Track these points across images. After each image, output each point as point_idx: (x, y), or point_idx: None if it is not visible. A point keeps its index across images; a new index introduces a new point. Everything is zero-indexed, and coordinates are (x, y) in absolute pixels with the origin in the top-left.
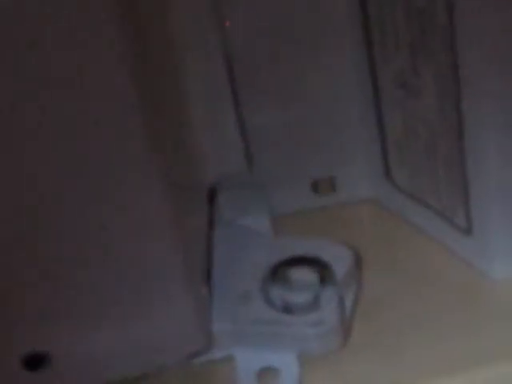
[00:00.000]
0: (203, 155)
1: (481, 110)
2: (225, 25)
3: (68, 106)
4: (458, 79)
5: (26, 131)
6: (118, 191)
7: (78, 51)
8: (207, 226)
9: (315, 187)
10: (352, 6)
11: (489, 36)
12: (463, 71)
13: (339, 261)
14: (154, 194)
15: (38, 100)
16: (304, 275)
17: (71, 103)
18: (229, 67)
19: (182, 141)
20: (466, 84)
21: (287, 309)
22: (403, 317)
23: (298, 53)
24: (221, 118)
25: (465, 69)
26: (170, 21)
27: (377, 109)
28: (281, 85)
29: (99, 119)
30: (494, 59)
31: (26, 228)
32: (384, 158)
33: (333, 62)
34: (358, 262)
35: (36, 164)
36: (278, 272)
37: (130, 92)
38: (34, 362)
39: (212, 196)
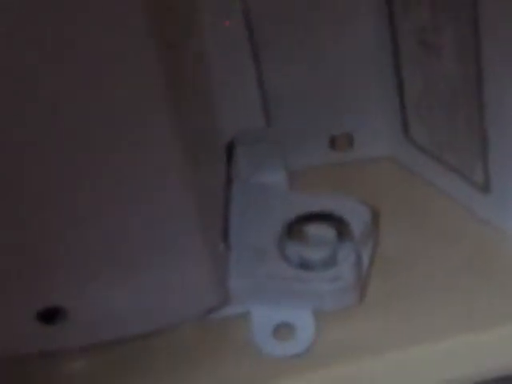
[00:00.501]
0: (222, 111)
1: (501, 67)
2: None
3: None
4: (479, 37)
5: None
6: (135, 145)
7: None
8: (225, 181)
9: (333, 143)
10: None
11: None
12: (484, 28)
13: (356, 217)
14: (171, 149)
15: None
16: (321, 231)
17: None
18: (249, 25)
19: (202, 97)
20: (486, 41)
21: (304, 265)
22: (419, 275)
23: (317, 11)
24: (240, 74)
25: (486, 26)
26: None
27: (396, 66)
28: (300, 42)
29: (119, 70)
30: None
31: (40, 185)
32: (402, 115)
33: (352, 19)
34: (375, 219)
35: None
36: (295, 228)
37: (149, 45)
38: (50, 315)
39: (230, 152)
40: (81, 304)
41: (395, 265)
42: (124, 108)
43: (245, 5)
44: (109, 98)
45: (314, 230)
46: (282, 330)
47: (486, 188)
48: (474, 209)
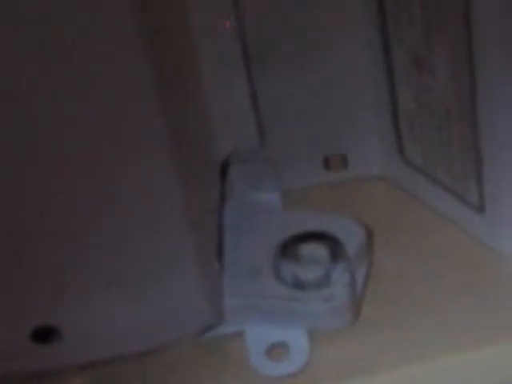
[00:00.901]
0: (216, 129)
1: (495, 86)
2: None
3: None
4: (472, 55)
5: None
6: (129, 164)
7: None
8: (219, 200)
9: (327, 163)
10: None
11: (504, 12)
12: (477, 47)
13: (350, 237)
14: (164, 168)
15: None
16: (315, 251)
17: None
18: (242, 41)
19: (195, 114)
20: (480, 60)
21: (298, 284)
22: (413, 294)
23: (310, 27)
24: (234, 92)
25: (479, 45)
26: None
27: (390, 85)
28: (294, 60)
29: (111, 92)
30: (509, 36)
31: (35, 201)
32: (396, 134)
33: (346, 36)
34: (369, 238)
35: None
36: (289, 247)
37: (143, 65)
38: (44, 334)
39: (224, 170)
40: (75, 323)
41: (389, 285)
42: (119, 126)
43: (239, 24)
44: (104, 120)
45: (308, 249)
46: (277, 350)
47: (480, 208)
48: (468, 229)
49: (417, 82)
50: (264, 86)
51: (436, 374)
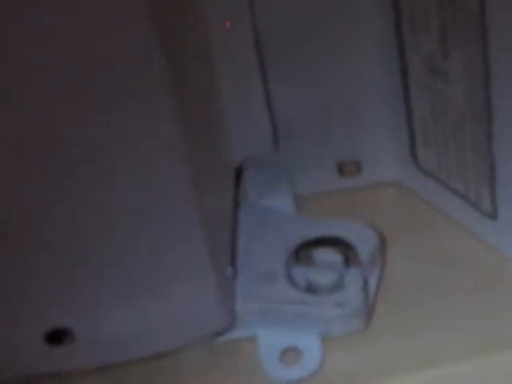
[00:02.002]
0: (230, 135)
1: (510, 93)
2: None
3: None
4: (488, 64)
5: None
6: (142, 166)
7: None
8: (233, 205)
9: (341, 169)
10: None
11: None
12: (493, 56)
13: (364, 242)
14: (179, 171)
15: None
16: (328, 256)
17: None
18: (257, 46)
19: (210, 120)
20: (495, 69)
21: (311, 289)
22: (426, 300)
23: (325, 33)
24: (248, 98)
25: (494, 53)
26: None
27: (404, 91)
28: (308, 66)
29: (125, 91)
30: None
31: (48, 198)
32: (410, 140)
33: (361, 42)
34: (382, 244)
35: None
36: (302, 252)
37: (158, 66)
38: (57, 337)
39: (238, 176)
40: (88, 326)
41: (402, 290)
42: (131, 127)
43: (254, 26)
44: (116, 120)
45: (322, 254)
46: (289, 354)
47: (493, 215)
48: (481, 235)
49: (431, 89)
50: (279, 92)
51: (449, 379)
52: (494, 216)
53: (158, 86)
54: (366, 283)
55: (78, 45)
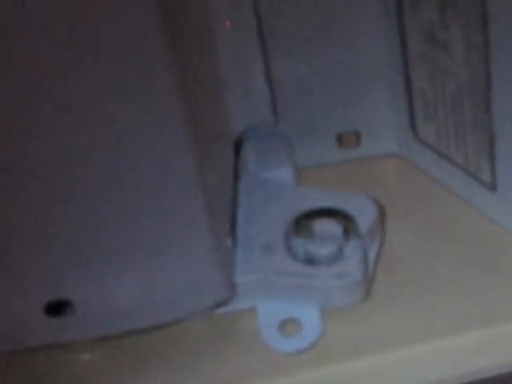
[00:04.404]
0: (231, 106)
1: (509, 63)
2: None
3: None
4: (487, 33)
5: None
6: (143, 137)
7: None
8: (232, 177)
9: (340, 141)
10: None
11: None
12: (492, 25)
13: (363, 213)
14: (179, 141)
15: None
16: (327, 227)
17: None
18: (257, 18)
19: (211, 92)
20: (494, 38)
21: (310, 261)
22: (425, 271)
23: (325, 5)
24: (248, 70)
25: (494, 22)
26: None
27: (404, 62)
28: (308, 37)
29: (127, 59)
30: None
31: (48, 175)
32: (410, 112)
33: (360, 13)
34: (381, 216)
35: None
36: (302, 224)
37: (159, 35)
38: (57, 308)
39: (238, 148)
40: (89, 297)
41: (401, 262)
42: (132, 97)
43: (255, 3)
44: (118, 92)
45: (321, 225)
46: (288, 326)
47: (492, 186)
48: (480, 207)
49: (431, 60)
50: (278, 64)
51: (448, 351)
52: (493, 188)
53: (158, 57)
54: (365, 255)
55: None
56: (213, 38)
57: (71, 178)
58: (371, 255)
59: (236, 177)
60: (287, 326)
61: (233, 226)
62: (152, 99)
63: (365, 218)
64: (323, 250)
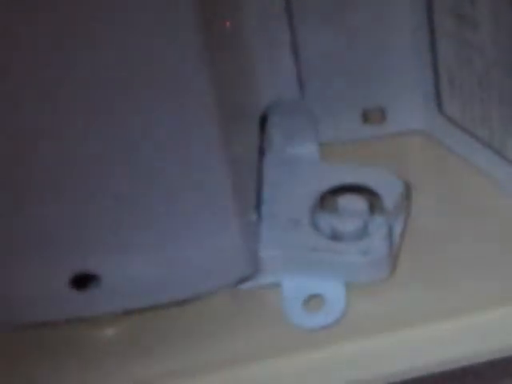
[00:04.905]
0: (256, 81)
1: None
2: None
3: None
4: None
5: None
6: (173, 113)
7: None
8: (257, 152)
9: (365, 117)
10: None
11: None
12: None
13: (389, 190)
14: (208, 118)
15: None
16: (353, 203)
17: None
18: None
19: (237, 66)
20: None
21: (335, 236)
22: (450, 247)
23: None
24: (275, 44)
25: None
26: None
27: (430, 39)
28: (335, 12)
29: (151, 39)
30: None
31: (74, 150)
32: (436, 89)
33: None
34: (407, 192)
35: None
36: (327, 199)
37: (184, 12)
38: (82, 281)
39: (263, 122)
40: (114, 270)
41: (427, 238)
42: (158, 72)
43: None
44: (144, 66)
45: (347, 201)
46: (313, 301)
47: None
48: (505, 184)
49: (458, 37)
50: (305, 38)
51: (473, 328)
52: None
53: (186, 32)
54: (390, 231)
55: None
56: (240, 13)
57: (99, 155)
58: (396, 231)
59: (261, 152)
60: (311, 301)
61: (258, 202)
62: (178, 74)
63: (390, 194)
64: (349, 226)
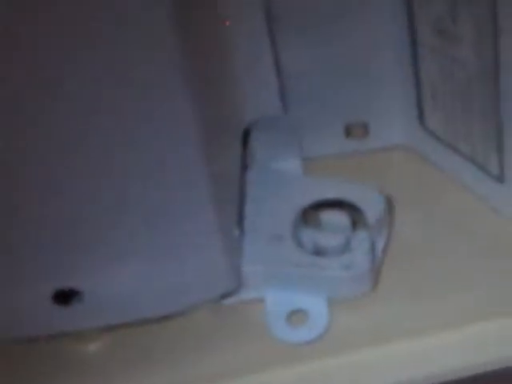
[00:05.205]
0: (239, 96)
1: None
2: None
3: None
4: (497, 27)
5: None
6: (158, 131)
7: None
8: (240, 167)
9: (348, 132)
10: None
11: None
12: (502, 18)
13: (371, 205)
14: (189, 131)
15: None
16: (335, 218)
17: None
18: (266, 8)
19: (220, 81)
20: (504, 31)
21: (318, 251)
22: (433, 263)
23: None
24: (257, 59)
25: (504, 15)
26: None
27: (413, 55)
28: (317, 27)
29: (137, 49)
30: None
31: (59, 159)
32: (418, 104)
33: (371, 4)
34: (389, 207)
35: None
36: (310, 214)
37: (169, 26)
38: (65, 297)
39: (246, 137)
40: (96, 286)
41: (409, 253)
42: (143, 83)
43: None
44: (128, 78)
45: (329, 216)
46: (296, 316)
47: (500, 178)
48: (488, 198)
49: (440, 52)
50: (287, 54)
51: (456, 341)
52: (501, 179)
53: (170, 47)
54: (372, 246)
55: None
56: (223, 28)
57: (81, 166)
58: (379, 246)
59: (244, 167)
60: (294, 316)
61: (240, 216)
62: (162, 89)
63: (372, 209)
64: (331, 241)
